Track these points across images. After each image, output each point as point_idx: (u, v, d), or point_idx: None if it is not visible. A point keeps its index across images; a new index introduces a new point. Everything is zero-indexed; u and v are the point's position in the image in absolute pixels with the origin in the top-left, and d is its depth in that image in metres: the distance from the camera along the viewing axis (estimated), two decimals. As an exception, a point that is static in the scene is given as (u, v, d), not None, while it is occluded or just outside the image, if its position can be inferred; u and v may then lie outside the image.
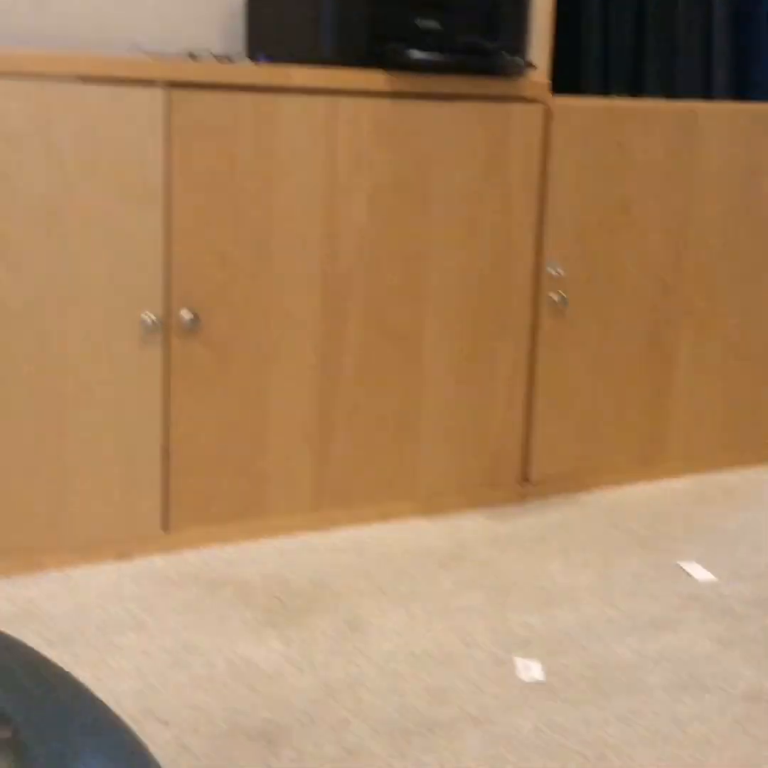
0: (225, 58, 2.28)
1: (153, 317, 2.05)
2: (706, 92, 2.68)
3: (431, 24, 2.16)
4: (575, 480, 2.55)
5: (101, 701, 0.65)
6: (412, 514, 2.37)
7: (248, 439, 2.19)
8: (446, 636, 1.91)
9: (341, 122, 2.16)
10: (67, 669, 1.73)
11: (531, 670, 1.81)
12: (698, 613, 2.03)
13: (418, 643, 1.88)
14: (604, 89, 2.56)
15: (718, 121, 2.54)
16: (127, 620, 1.90)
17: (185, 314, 2.08)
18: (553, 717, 1.68)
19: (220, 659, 1.80)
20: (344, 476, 2.29)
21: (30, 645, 0.64)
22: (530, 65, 2.27)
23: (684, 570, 2.20)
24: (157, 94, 1.99)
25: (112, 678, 1.73)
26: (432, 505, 2.39)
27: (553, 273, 2.42)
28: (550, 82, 2.36)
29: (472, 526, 2.36)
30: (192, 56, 2.28)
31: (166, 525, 2.14)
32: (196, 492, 2.16)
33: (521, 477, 2.49)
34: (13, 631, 1.87)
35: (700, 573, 2.19)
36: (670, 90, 2.63)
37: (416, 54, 2.14)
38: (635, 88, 2.60)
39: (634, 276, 2.53)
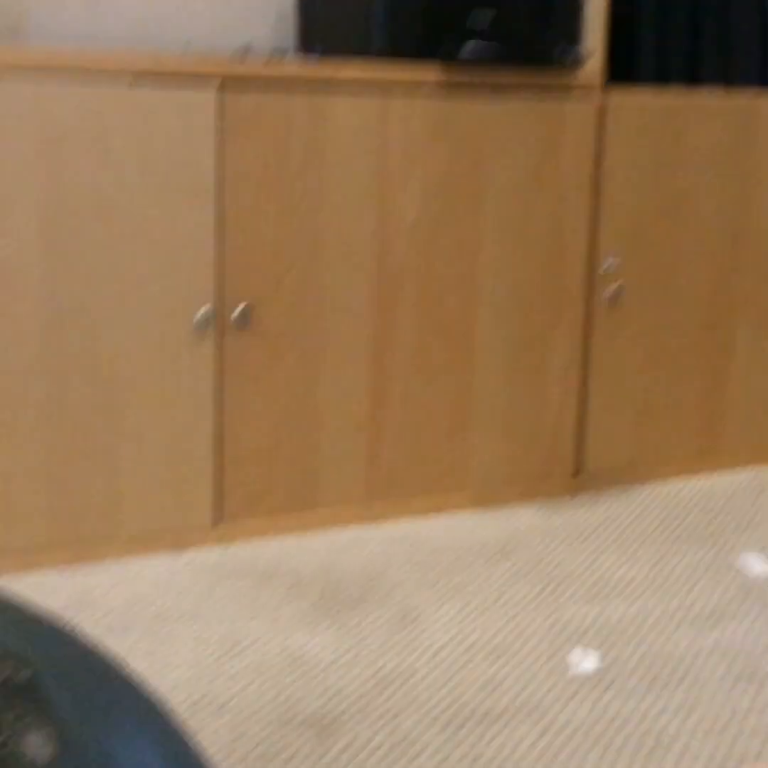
0: (277, 55, 2.30)
1: (206, 312, 2.07)
2: (765, 82, 2.64)
3: (484, 17, 2.16)
4: (630, 472, 2.53)
5: (147, 689, 0.66)
6: (464, 506, 2.37)
7: (301, 431, 2.20)
8: (499, 628, 1.90)
9: (393, 117, 2.16)
10: (121, 658, 1.76)
11: (585, 661, 1.80)
12: (755, 605, 2.00)
13: (470, 634, 1.88)
14: (661, 79, 2.54)
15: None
16: (181, 611, 1.92)
17: (238, 309, 2.10)
18: (608, 708, 1.68)
19: (272, 649, 1.81)
20: (397, 468, 2.30)
21: (81, 633, 0.65)
22: (585, 57, 2.26)
23: (741, 562, 2.18)
24: (210, 92, 2.01)
25: (166, 667, 1.75)
26: (485, 497, 2.39)
27: (608, 265, 2.40)
28: (605, 73, 2.34)
29: (525, 519, 2.35)
30: (244, 53, 2.30)
31: (219, 517, 2.16)
32: (249, 484, 2.17)
33: (575, 469, 2.48)
34: (69, 620, 1.90)
35: (757, 565, 2.16)
36: (727, 79, 2.59)
37: (469, 47, 2.14)
38: (692, 78, 2.57)
39: (690, 268, 2.51)
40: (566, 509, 2.41)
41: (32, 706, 0.54)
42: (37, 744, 0.53)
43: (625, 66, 2.53)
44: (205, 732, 1.59)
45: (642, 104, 2.38)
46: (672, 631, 1.91)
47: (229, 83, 2.02)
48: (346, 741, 1.58)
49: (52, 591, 1.97)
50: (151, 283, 2.03)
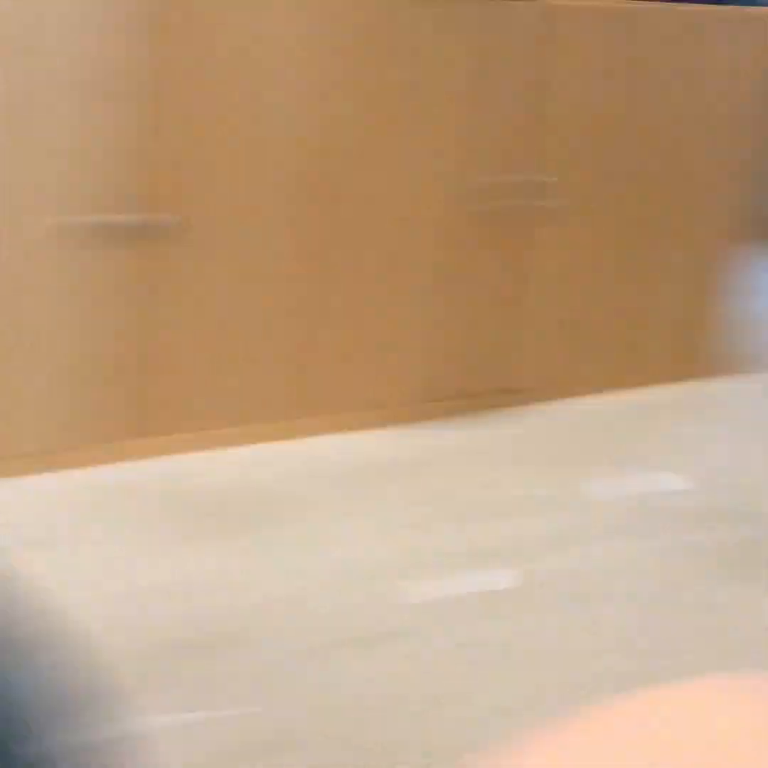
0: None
1: (130, 220, 2.01)
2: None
3: None
4: (554, 388, 2.52)
5: (41, 612, 0.64)
6: (388, 422, 2.35)
7: (225, 346, 2.17)
8: (395, 548, 1.90)
9: (329, 17, 2.08)
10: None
11: (491, 580, 1.81)
12: (656, 521, 2.01)
13: (366, 555, 1.88)
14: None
15: (725, 26, 2.45)
16: (74, 530, 1.90)
17: (163, 217, 2.04)
18: (525, 624, 1.69)
19: (162, 571, 1.80)
20: (320, 385, 2.28)
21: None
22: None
23: (648, 479, 2.18)
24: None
25: (54, 588, 1.73)
26: (408, 413, 2.38)
27: (546, 179, 2.36)
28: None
29: (442, 436, 2.34)
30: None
31: (136, 432, 2.13)
32: (168, 399, 2.15)
33: (499, 386, 2.46)
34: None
35: (665, 482, 2.17)
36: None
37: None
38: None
39: (625, 184, 2.46)
40: (485, 427, 2.40)
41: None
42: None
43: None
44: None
45: (586, 10, 2.31)
46: (577, 547, 1.91)
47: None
48: (231, 663, 1.58)
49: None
50: (70, 185, 1.96)
